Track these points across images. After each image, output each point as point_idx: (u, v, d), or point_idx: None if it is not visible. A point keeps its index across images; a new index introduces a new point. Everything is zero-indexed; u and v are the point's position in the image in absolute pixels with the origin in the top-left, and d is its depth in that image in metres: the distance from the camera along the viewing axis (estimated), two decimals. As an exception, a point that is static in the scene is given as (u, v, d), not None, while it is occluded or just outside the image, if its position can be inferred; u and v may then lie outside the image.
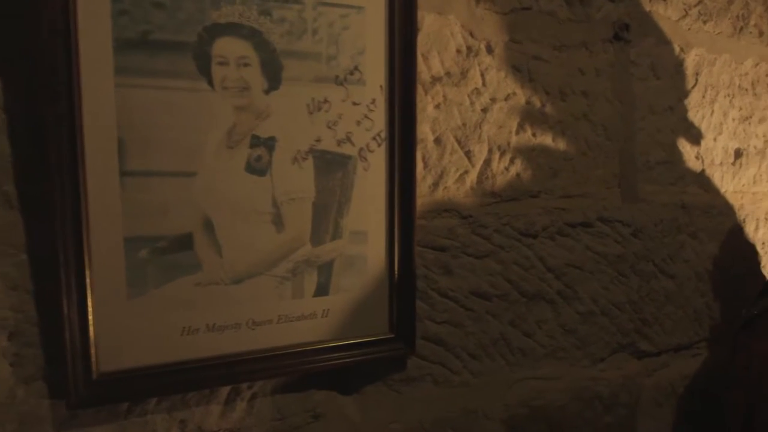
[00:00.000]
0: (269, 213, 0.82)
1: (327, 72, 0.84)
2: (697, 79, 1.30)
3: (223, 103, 0.78)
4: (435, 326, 0.99)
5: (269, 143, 0.81)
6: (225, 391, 0.84)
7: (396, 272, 0.92)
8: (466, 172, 1.01)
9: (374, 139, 0.89)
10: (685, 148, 1.29)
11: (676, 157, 1.27)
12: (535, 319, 1.10)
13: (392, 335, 0.93)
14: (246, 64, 0.79)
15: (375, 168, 0.89)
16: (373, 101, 0.88)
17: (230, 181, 0.79)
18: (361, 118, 0.88)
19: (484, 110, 1.03)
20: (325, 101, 0.85)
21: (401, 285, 0.93)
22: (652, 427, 1.25)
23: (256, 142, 0.80)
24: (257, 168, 0.81)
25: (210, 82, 0.77)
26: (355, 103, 0.87)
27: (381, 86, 0.89)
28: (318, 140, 0.85)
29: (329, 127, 0.85)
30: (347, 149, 0.87)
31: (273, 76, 0.81)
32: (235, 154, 0.79)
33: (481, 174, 1.03)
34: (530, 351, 1.10)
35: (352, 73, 0.86)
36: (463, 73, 1.00)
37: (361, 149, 0.88)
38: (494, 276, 1.05)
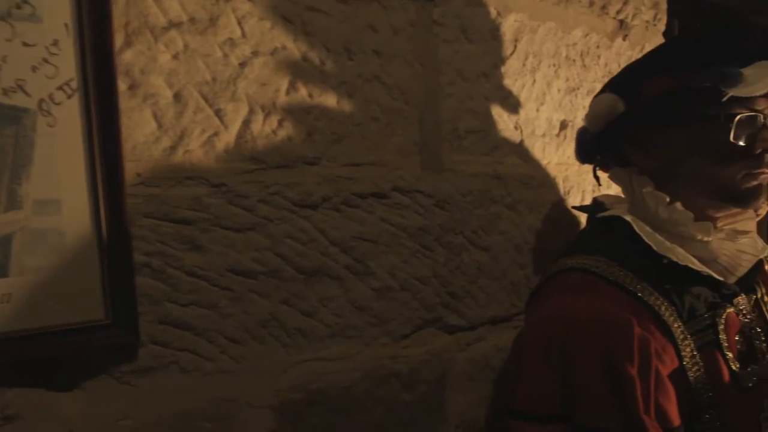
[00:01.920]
0: None
1: (-23, 1, 0.57)
2: (516, 46, 1.06)
3: None
4: (179, 309, 0.74)
5: None
6: None
7: (107, 248, 0.66)
8: (217, 134, 0.75)
9: (61, 89, 0.62)
10: (502, 117, 1.05)
11: (491, 126, 1.04)
12: (317, 296, 0.86)
13: (108, 321, 0.68)
14: None
15: (65, 124, 0.63)
16: (56, 43, 0.61)
17: None
18: (39, 63, 0.61)
19: (242, 65, 0.77)
20: (-23, 39, 0.57)
21: (115, 263, 0.67)
22: (463, 402, 1.04)
23: None
24: None
25: None
26: (26, 44, 0.60)
27: (66, 24, 0.62)
28: (-31, 88, 0.58)
29: (-13, 72, 0.58)
30: (20, 100, 0.60)
31: None
32: None
33: (239, 137, 0.77)
34: (312, 331, 0.86)
35: (19, 6, 0.59)
36: (213, 20, 0.74)
37: (41, 101, 0.61)
38: (261, 251, 0.80)
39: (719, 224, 0.80)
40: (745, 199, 0.75)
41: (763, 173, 0.74)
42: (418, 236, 0.95)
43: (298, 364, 0.85)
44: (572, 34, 1.16)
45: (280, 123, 0.80)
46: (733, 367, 0.73)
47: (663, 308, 0.71)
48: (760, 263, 0.84)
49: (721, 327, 0.73)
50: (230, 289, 0.78)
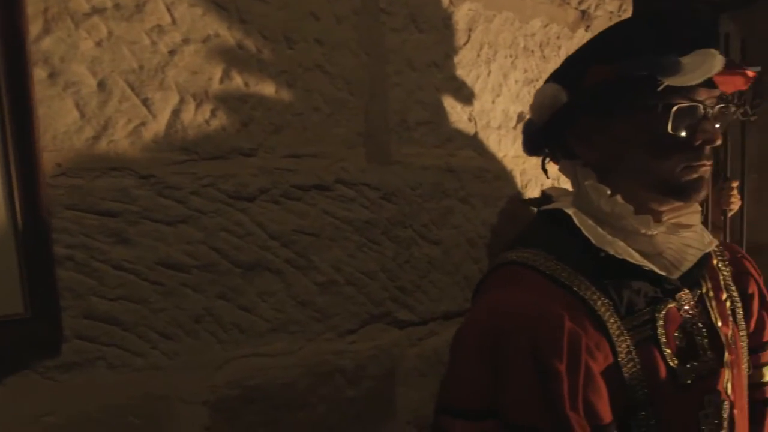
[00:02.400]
0: None
1: None
2: (470, 36, 1.05)
3: None
4: (106, 303, 0.73)
5: None
6: None
7: (24, 240, 0.65)
8: (144, 123, 0.74)
9: (-33, 74, 0.61)
10: (455, 108, 1.04)
11: (443, 117, 1.03)
12: (256, 291, 0.85)
13: (28, 315, 0.67)
14: None
15: (-27, 112, 0.61)
16: (-40, 26, 0.60)
17: None
18: (-57, 49, 0.59)
19: (172, 52, 0.75)
20: None
21: (33, 256, 0.66)
22: (415, 398, 1.04)
23: None
24: None
25: None
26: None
27: (-28, 7, 0.60)
28: None
29: None
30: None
31: None
32: None
33: (168, 127, 0.76)
34: (250, 326, 0.85)
35: None
36: (139, 6, 0.73)
37: (-52, 89, 0.60)
38: (194, 245, 0.79)
39: (665, 218, 0.80)
40: (685, 192, 0.74)
41: (703, 166, 0.73)
42: (364, 230, 0.94)
43: (236, 360, 0.84)
44: (531, 24, 1.15)
45: (213, 112, 0.79)
46: (671, 364, 0.72)
47: (599, 303, 0.71)
48: (707, 257, 0.83)
49: (660, 323, 0.73)
50: (161, 284, 0.77)
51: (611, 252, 0.73)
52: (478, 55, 1.06)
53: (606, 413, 0.66)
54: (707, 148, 0.72)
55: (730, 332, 0.78)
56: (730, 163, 1.96)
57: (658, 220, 0.79)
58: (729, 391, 0.73)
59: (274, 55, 0.83)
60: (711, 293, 0.80)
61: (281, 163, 0.85)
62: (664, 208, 0.77)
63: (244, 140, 0.82)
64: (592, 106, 0.75)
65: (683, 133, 0.71)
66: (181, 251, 0.78)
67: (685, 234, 0.81)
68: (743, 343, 0.84)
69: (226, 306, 0.82)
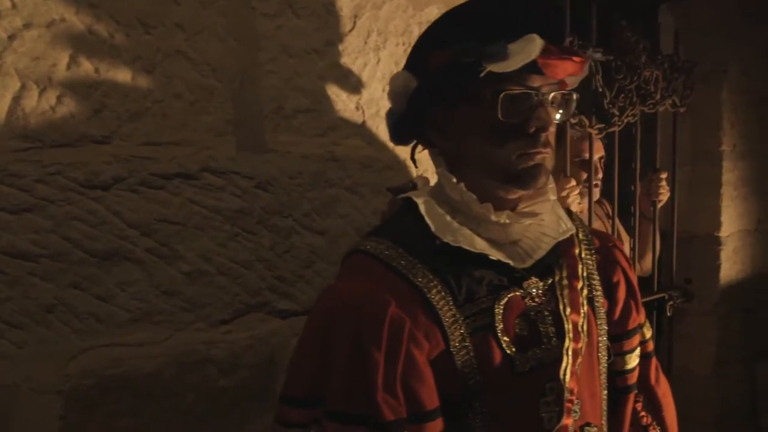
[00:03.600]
0: None
1: None
2: (355, 23, 1.06)
3: None
4: (-60, 292, 0.73)
5: None
6: None
7: None
8: (-22, 110, 0.74)
9: None
10: (340, 97, 1.05)
11: (326, 106, 1.04)
12: (114, 281, 0.86)
13: None
14: None
15: None
16: None
17: None
18: None
19: (11, 37, 0.75)
20: None
21: None
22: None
23: None
24: None
25: None
26: None
27: None
28: None
29: None
30: None
31: None
32: None
33: (9, 114, 0.76)
34: (109, 316, 0.86)
35: None
36: (-29, -11, 0.72)
37: None
38: (41, 233, 0.80)
39: (521, 206, 0.82)
40: (522, 180, 0.76)
41: (539, 153, 0.75)
42: (236, 219, 0.95)
43: (93, 350, 0.85)
44: (426, 12, 1.16)
45: (59, 99, 0.79)
46: (508, 351, 0.75)
47: (434, 291, 0.73)
48: (563, 245, 0.85)
49: (498, 310, 0.75)
50: (4, 272, 0.77)
51: (447, 240, 0.74)
52: (366, 43, 1.07)
53: (430, 399, 0.69)
54: (543, 136, 0.73)
55: (582, 320, 0.81)
56: (660, 155, 2.00)
57: (511, 208, 0.81)
58: (567, 379, 0.76)
59: (129, 41, 0.83)
60: (565, 281, 0.82)
61: (139, 151, 0.85)
62: (511, 196, 0.79)
63: (96, 127, 0.82)
64: (434, 94, 0.77)
65: (517, 121, 0.72)
66: (27, 240, 0.79)
67: (545, 223, 0.83)
68: (602, 331, 0.86)
69: (80, 295, 0.83)
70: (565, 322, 0.79)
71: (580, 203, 1.68)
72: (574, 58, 0.71)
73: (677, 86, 1.91)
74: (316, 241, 1.05)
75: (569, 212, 0.94)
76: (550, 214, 0.84)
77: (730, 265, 2.16)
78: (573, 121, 1.59)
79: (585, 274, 0.85)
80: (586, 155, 1.80)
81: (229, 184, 0.94)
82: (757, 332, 2.28)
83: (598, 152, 1.79)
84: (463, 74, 0.71)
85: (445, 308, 0.73)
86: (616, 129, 1.71)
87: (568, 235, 0.84)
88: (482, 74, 0.69)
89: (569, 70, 0.73)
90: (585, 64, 0.75)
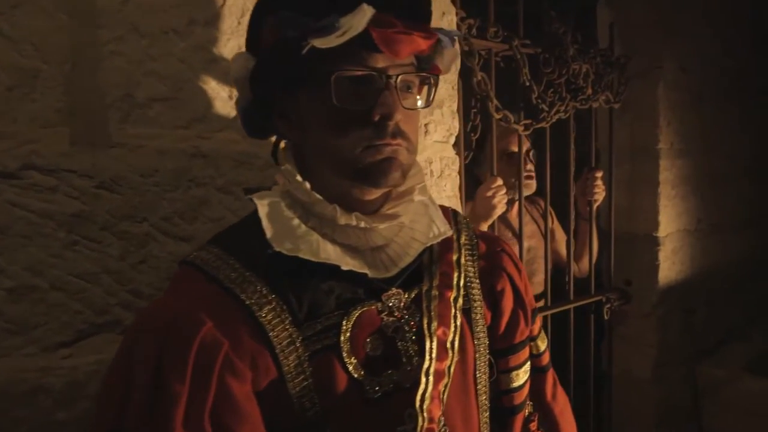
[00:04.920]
0: None
1: None
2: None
3: None
4: None
5: None
6: None
7: None
8: None
9: None
10: (209, 84, 0.93)
11: (190, 94, 0.91)
12: None
13: None
14: None
15: None
16: None
17: None
18: None
19: None
20: None
21: None
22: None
23: None
24: None
25: None
26: None
27: None
28: None
29: None
30: None
31: None
32: None
33: None
34: None
35: None
36: None
37: None
38: None
39: (386, 208, 0.71)
40: (370, 176, 0.65)
41: (388, 145, 0.64)
42: (73, 225, 0.82)
43: None
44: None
45: None
46: (356, 375, 0.65)
47: (266, 309, 0.62)
48: (443, 249, 0.75)
49: (346, 328, 0.65)
50: None
51: (284, 248, 0.63)
52: (239, 23, 0.95)
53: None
54: (391, 125, 0.63)
55: (452, 335, 0.71)
56: (595, 152, 1.94)
57: (374, 210, 0.70)
58: (426, 404, 0.65)
59: None
60: (435, 291, 0.72)
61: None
62: (368, 196, 0.68)
63: None
64: (270, 76, 0.65)
65: (359, 107, 0.62)
66: None
67: (417, 226, 0.73)
68: (480, 346, 0.76)
69: None
70: (428, 340, 0.68)
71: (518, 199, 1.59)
72: (418, 34, 0.61)
73: (611, 82, 1.85)
74: (181, 248, 0.92)
75: (455, 213, 0.84)
76: (422, 216, 0.74)
77: (669, 266, 2.12)
78: (497, 116, 1.50)
79: (462, 282, 0.75)
80: (514, 148, 1.72)
81: (63, 184, 0.80)
82: (696, 333, 2.25)
83: (525, 145, 1.71)
84: (288, 52, 0.60)
85: (279, 328, 0.62)
86: (545, 125, 1.63)
87: (438, 239, 0.74)
88: (304, 51, 0.58)
89: (415, 47, 0.62)
90: (435, 43, 0.64)
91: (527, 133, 1.61)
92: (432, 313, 0.70)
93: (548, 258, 1.75)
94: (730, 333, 2.46)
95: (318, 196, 0.65)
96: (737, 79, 2.35)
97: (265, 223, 0.64)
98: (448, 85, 1.28)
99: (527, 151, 1.75)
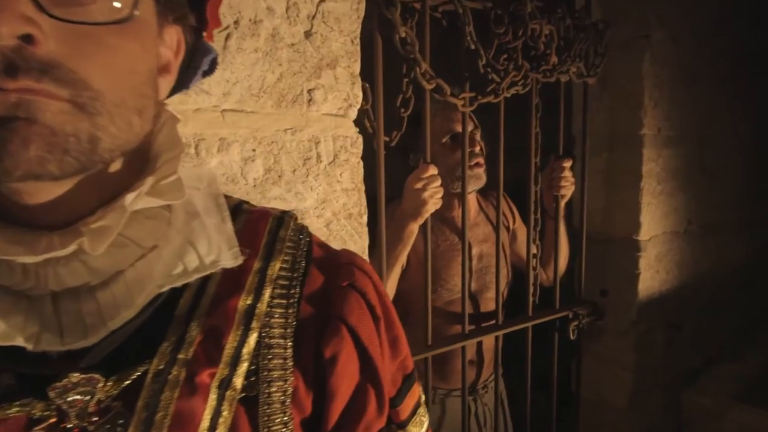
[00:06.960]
0: None
1: None
2: None
3: None
4: None
5: None
6: None
7: None
8: None
9: None
10: None
11: None
12: None
13: None
14: None
15: None
16: None
17: None
18: None
19: None
20: None
21: None
22: None
23: None
24: None
25: None
26: None
27: None
28: None
29: None
30: None
31: None
32: None
33: None
34: None
35: None
36: None
37: None
38: None
39: (89, 220, 0.39)
40: None
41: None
42: None
43: None
44: None
45: None
46: None
47: None
48: (224, 290, 0.44)
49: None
50: None
51: None
52: None
53: None
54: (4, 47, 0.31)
55: None
56: (564, 137, 1.61)
57: (64, 221, 0.38)
58: None
59: None
60: (176, 372, 0.40)
61: None
62: (32, 198, 0.36)
63: None
64: None
65: None
66: None
67: (152, 255, 0.41)
68: None
69: None
70: None
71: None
72: None
73: (584, 51, 1.52)
74: None
75: (280, 220, 0.52)
76: (175, 233, 0.42)
77: (651, 275, 1.81)
78: (428, 86, 1.18)
79: (249, 348, 0.43)
80: (458, 128, 1.39)
81: None
82: (682, 353, 1.94)
83: (470, 125, 1.37)
84: None
85: None
86: (493, 99, 1.30)
87: (192, 278, 0.42)
88: None
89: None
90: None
91: (471, 109, 1.28)
92: (162, 417, 0.38)
93: (498, 267, 1.43)
94: (721, 350, 2.16)
95: None
96: (738, 55, 2.02)
97: None
98: (345, 38, 0.95)
99: (472, 132, 1.42)
